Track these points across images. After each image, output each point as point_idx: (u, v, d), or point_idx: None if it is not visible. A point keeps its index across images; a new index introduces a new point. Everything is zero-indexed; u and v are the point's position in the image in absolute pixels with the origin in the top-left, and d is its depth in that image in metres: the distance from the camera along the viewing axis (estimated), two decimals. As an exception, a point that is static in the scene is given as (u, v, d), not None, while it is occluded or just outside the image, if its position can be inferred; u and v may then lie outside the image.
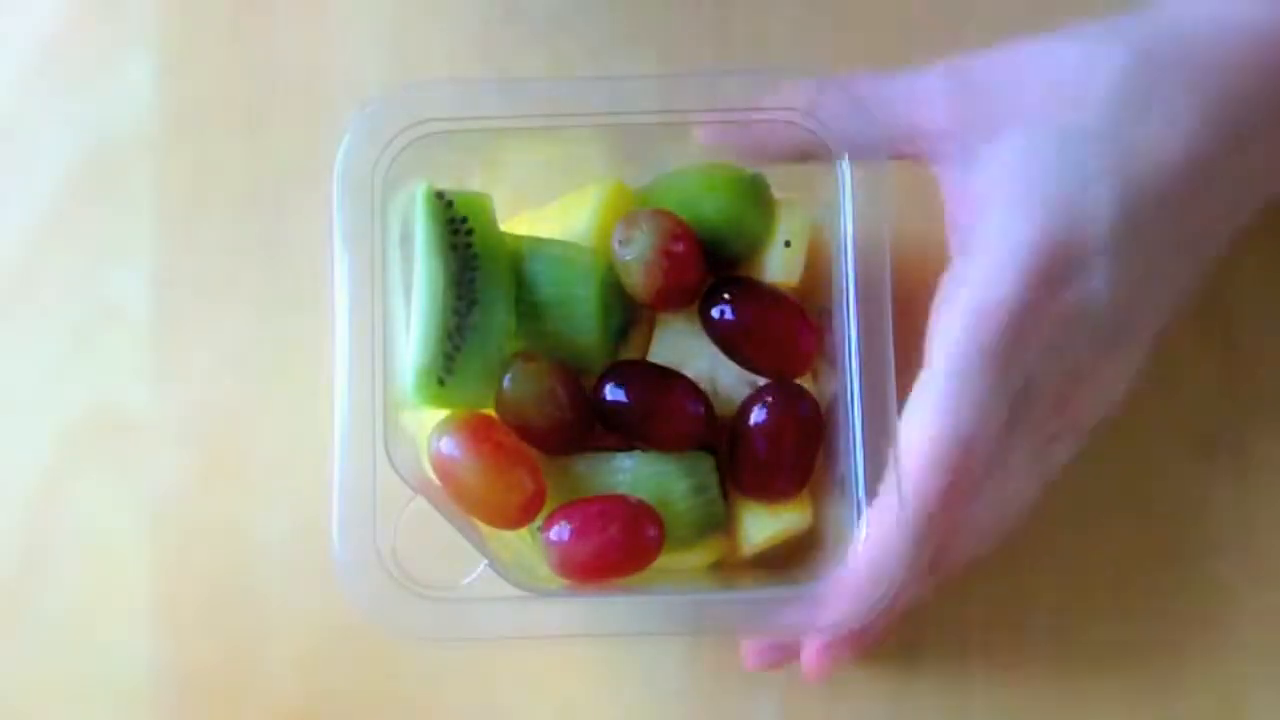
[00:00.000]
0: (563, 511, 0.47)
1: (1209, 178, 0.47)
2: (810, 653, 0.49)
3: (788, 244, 0.49)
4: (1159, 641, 0.54)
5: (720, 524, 0.49)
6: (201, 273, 0.57)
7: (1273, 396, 0.55)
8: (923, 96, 0.47)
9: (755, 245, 0.49)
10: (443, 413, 0.47)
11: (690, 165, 0.50)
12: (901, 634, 0.54)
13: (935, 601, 0.53)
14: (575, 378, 0.48)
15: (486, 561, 0.47)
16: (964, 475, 0.45)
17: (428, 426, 0.47)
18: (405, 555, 0.45)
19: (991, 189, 0.47)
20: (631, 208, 0.50)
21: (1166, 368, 0.54)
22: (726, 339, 0.49)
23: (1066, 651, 0.54)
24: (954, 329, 0.46)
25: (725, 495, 0.49)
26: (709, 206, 0.49)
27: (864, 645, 0.50)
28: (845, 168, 0.46)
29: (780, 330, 0.49)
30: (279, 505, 0.56)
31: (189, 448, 0.56)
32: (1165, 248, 0.48)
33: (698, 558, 0.50)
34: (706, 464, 0.49)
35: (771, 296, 0.49)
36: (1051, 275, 0.46)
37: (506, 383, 0.47)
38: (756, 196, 0.49)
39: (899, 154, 0.48)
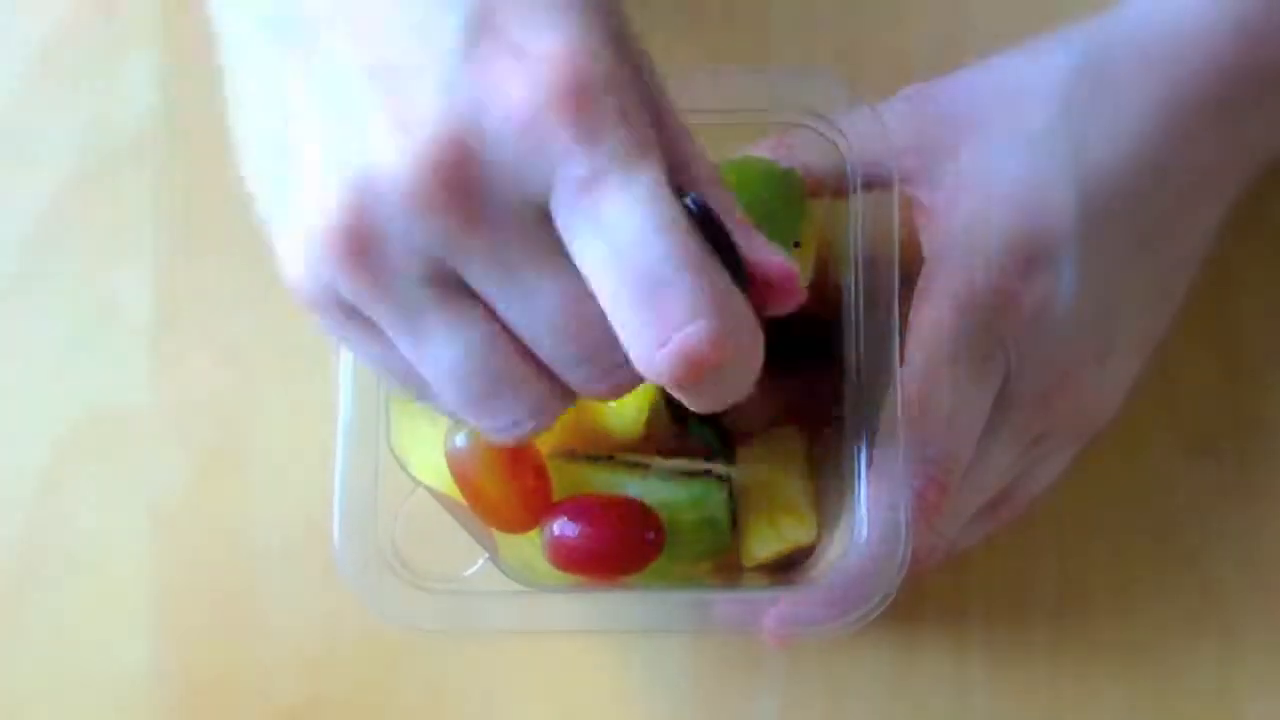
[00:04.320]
0: (564, 505, 0.47)
1: (1160, 174, 0.48)
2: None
3: (796, 245, 0.49)
4: (1159, 641, 0.54)
5: (725, 550, 0.49)
6: (201, 273, 0.57)
7: (1273, 396, 0.55)
8: (886, 123, 0.48)
9: (786, 242, 0.48)
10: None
11: (723, 159, 0.49)
12: (901, 635, 0.54)
13: (935, 603, 0.53)
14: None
15: (487, 555, 0.47)
16: (942, 470, 0.46)
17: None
18: (406, 547, 0.45)
19: (956, 197, 0.48)
20: None
21: (1166, 369, 0.54)
22: None
23: (1066, 651, 0.54)
24: (928, 324, 0.47)
25: (735, 523, 0.49)
26: (740, 200, 0.48)
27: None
28: (856, 167, 0.47)
29: None
30: (279, 505, 0.56)
31: (189, 448, 0.56)
32: (1129, 244, 0.48)
33: (695, 569, 0.50)
34: (718, 497, 0.48)
35: None
36: (1019, 268, 0.47)
37: None
38: (790, 192, 0.48)
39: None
